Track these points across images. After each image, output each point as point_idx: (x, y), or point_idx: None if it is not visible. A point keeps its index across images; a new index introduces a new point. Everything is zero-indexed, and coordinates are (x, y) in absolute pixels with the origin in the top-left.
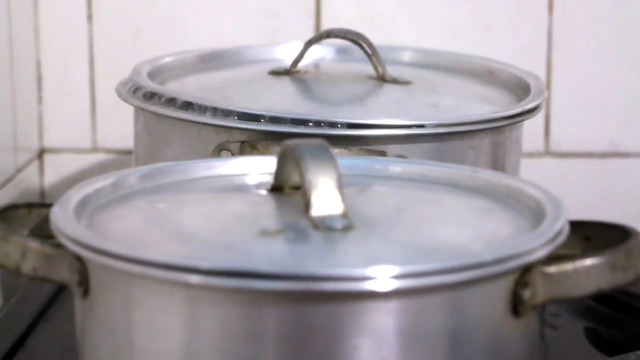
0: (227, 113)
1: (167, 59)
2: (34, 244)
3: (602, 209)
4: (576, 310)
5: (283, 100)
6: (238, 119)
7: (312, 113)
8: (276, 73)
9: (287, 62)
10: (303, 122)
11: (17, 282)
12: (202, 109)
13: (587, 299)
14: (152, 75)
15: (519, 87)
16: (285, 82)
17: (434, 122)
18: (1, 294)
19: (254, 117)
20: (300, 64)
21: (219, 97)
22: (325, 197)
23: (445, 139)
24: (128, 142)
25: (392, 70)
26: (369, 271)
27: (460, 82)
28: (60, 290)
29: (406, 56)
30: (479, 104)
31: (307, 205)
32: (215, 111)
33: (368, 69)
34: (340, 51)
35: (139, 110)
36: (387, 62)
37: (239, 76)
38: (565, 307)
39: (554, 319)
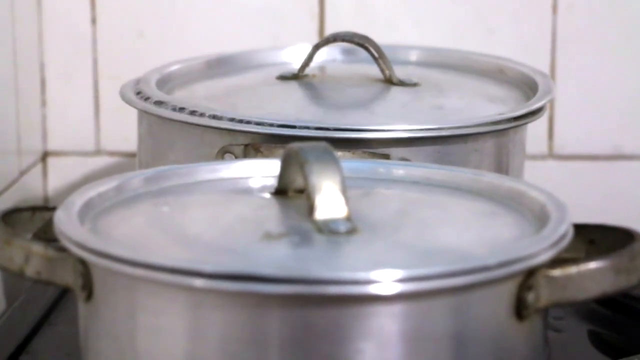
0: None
1: (174, 67)
2: (38, 248)
3: (606, 212)
4: (580, 314)
5: (289, 106)
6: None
7: (317, 118)
8: (284, 78)
9: (294, 65)
10: (307, 129)
11: (21, 286)
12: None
13: (590, 302)
14: (160, 83)
15: (528, 86)
16: (293, 87)
17: (437, 125)
18: (4, 297)
19: (258, 123)
20: (307, 68)
21: (226, 105)
22: (329, 200)
23: (449, 142)
24: (132, 145)
25: (400, 71)
26: (373, 275)
27: (468, 82)
28: (63, 294)
29: (414, 56)
30: (486, 104)
31: (311, 209)
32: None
33: (375, 70)
34: (347, 52)
35: (142, 113)
36: (395, 62)
37: (246, 82)
38: (568, 310)
39: (557, 322)
